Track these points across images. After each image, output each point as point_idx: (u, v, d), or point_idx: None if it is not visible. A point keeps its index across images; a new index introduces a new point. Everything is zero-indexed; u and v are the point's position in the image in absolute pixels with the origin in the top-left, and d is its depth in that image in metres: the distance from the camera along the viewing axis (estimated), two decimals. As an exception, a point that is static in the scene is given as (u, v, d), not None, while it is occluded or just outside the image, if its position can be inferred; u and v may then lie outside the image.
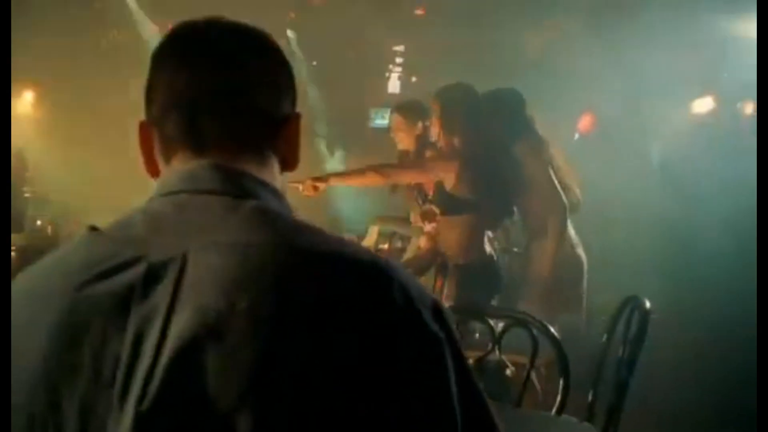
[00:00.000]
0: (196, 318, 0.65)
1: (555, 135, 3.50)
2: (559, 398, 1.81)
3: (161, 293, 0.68)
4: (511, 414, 1.78)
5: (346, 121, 8.17)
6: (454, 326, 0.73)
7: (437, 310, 0.71)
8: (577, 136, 6.54)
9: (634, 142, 5.80)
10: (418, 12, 7.30)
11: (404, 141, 3.45)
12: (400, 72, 8.34)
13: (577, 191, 3.23)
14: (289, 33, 7.59)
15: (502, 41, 6.42)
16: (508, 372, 1.94)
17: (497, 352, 1.94)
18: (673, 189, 5.10)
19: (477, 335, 2.33)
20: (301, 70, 7.75)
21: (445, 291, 2.88)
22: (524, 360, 1.98)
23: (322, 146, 8.31)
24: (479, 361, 1.93)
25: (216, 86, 0.82)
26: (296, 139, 0.88)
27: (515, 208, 3.18)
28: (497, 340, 1.93)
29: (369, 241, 4.08)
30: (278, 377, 0.63)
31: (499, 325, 2.02)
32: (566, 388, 1.81)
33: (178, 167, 0.81)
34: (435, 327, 0.69)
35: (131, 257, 0.71)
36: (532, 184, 3.07)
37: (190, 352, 0.64)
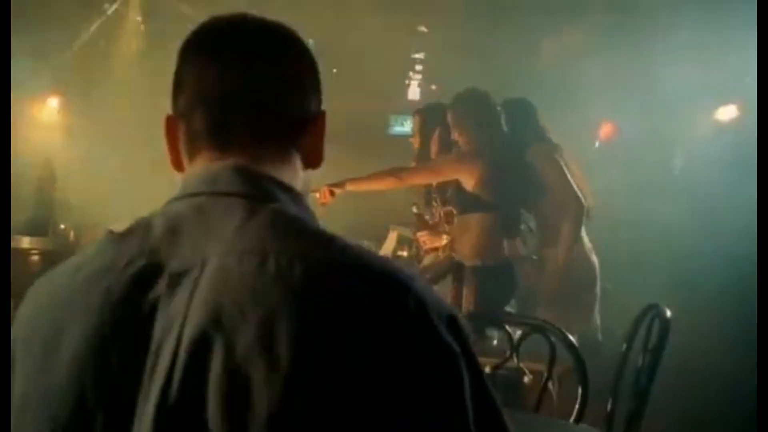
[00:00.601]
0: (209, 324, 0.66)
1: (575, 142, 3.49)
2: (577, 407, 1.79)
3: (180, 301, 0.69)
4: (528, 421, 1.77)
5: (366, 128, 8.18)
6: (471, 339, 0.72)
7: (453, 322, 0.70)
8: (597, 143, 6.50)
9: (655, 150, 5.75)
10: (422, 29, 7.32)
11: (424, 144, 3.42)
12: (420, 79, 8.35)
13: (589, 200, 3.21)
14: (309, 41, 7.64)
15: (522, 49, 6.41)
16: (525, 380, 1.93)
17: (515, 359, 1.93)
18: (694, 197, 5.04)
19: (495, 342, 2.32)
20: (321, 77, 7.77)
21: (464, 293, 2.87)
22: (542, 367, 1.96)
23: (338, 157, 8.31)
24: (497, 368, 1.92)
25: (245, 83, 0.82)
26: (321, 137, 0.88)
27: (532, 214, 3.18)
28: (515, 347, 1.92)
29: (388, 247, 4.08)
30: (289, 393, 0.63)
31: (517, 333, 2.01)
32: (585, 396, 1.79)
33: (199, 168, 0.82)
34: (449, 339, 0.68)
35: (152, 264, 0.72)
36: (547, 188, 3.06)
37: (200, 359, 0.65)
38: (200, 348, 0.65)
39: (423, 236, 3.23)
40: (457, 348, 0.68)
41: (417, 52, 8.12)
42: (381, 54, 7.81)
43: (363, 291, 0.68)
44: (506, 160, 2.95)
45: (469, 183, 2.88)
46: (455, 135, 2.98)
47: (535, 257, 3.42)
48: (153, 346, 0.68)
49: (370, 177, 3.17)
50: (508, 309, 3.09)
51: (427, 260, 3.45)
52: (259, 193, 0.78)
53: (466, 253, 2.93)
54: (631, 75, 5.55)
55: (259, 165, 0.81)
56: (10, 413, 0.71)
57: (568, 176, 3.07)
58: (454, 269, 2.96)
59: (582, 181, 3.21)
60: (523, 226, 3.29)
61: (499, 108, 3.09)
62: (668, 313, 1.96)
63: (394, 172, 3.03)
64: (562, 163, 3.09)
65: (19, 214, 6.03)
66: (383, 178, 3.01)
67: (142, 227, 0.77)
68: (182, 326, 0.67)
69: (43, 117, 7.42)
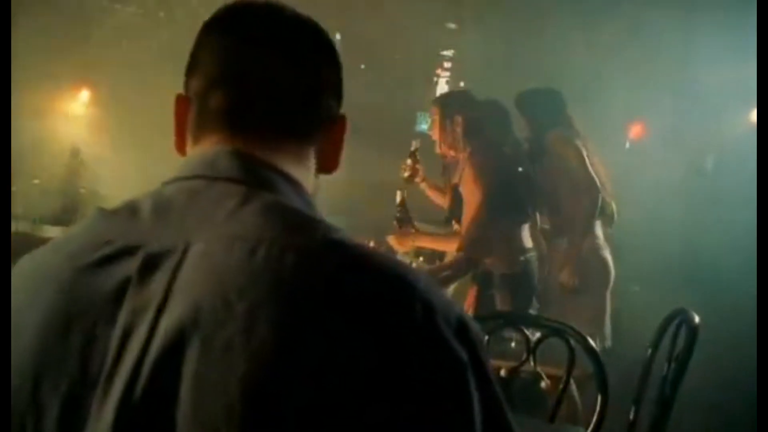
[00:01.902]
0: (188, 315, 0.61)
1: (604, 143, 3.42)
2: (596, 416, 1.71)
3: (156, 286, 0.64)
4: (542, 429, 1.70)
5: (393, 124, 8.14)
6: (482, 346, 0.66)
7: (462, 327, 0.65)
8: (627, 144, 6.39)
9: (687, 152, 5.62)
10: (451, 25, 7.25)
11: (440, 136, 3.27)
12: (448, 76, 8.29)
13: (609, 199, 3.12)
14: (336, 35, 7.63)
15: (551, 46, 6.31)
16: (542, 385, 1.86)
17: (532, 363, 1.86)
18: (726, 200, 4.91)
19: (513, 344, 2.25)
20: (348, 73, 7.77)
21: (498, 302, 2.82)
22: (561, 372, 1.89)
23: (364, 154, 8.27)
24: (513, 372, 1.86)
25: (266, 70, 0.78)
26: (338, 143, 0.85)
27: (545, 208, 3.12)
28: (532, 350, 1.85)
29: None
30: (271, 392, 0.58)
31: (536, 335, 1.94)
32: (604, 404, 1.71)
33: (200, 151, 0.78)
34: (455, 344, 0.63)
35: (130, 245, 0.67)
36: (563, 172, 2.99)
37: (176, 353, 0.60)
38: (177, 341, 0.60)
39: (392, 240, 3.14)
40: (464, 354, 0.63)
41: (446, 48, 8.06)
42: (409, 50, 7.77)
43: (364, 288, 0.63)
44: (502, 158, 2.92)
45: (475, 199, 2.82)
46: (441, 138, 2.93)
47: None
48: (117, 331, 0.63)
49: (434, 238, 3.09)
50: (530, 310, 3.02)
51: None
52: (259, 181, 0.73)
53: (493, 260, 2.87)
54: (663, 75, 5.44)
55: (267, 154, 0.77)
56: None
57: (587, 163, 2.98)
58: (480, 275, 2.89)
59: (606, 180, 3.12)
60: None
61: (522, 97, 3.06)
62: (696, 319, 1.88)
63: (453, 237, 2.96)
64: (583, 150, 3.01)
65: (47, 203, 6.08)
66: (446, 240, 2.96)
67: (129, 208, 0.72)
68: (158, 314, 0.62)
69: (72, 109, 7.50)
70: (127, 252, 0.67)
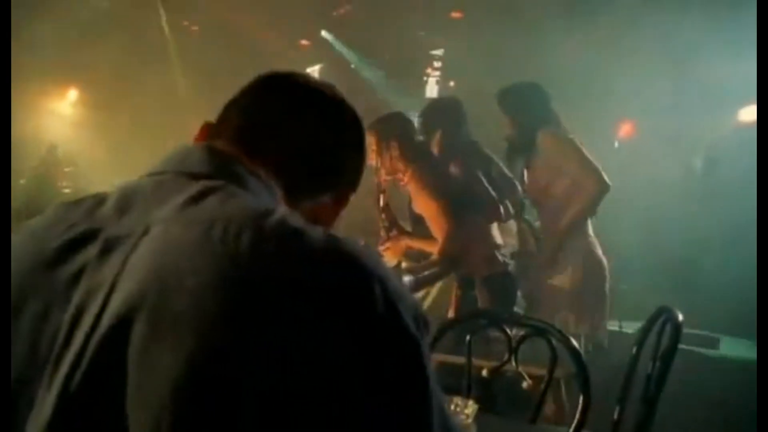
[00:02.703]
0: (137, 291, 0.59)
1: (594, 142, 3.39)
2: (577, 416, 1.68)
3: (111, 267, 0.63)
4: (523, 431, 1.68)
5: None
6: (429, 336, 0.66)
7: (417, 313, 0.65)
8: (617, 143, 6.39)
9: (677, 150, 5.63)
10: (455, 15, 7.22)
11: (378, 162, 3.04)
12: (438, 76, 8.27)
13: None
14: (325, 34, 7.60)
15: (541, 46, 6.30)
16: (524, 385, 1.83)
17: (514, 362, 1.83)
18: (716, 198, 4.91)
19: (497, 344, 2.22)
20: (338, 72, 7.75)
21: (480, 304, 2.80)
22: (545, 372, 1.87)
23: None
24: (495, 372, 1.83)
25: (284, 122, 0.81)
26: (331, 215, 0.86)
27: (536, 206, 3.10)
28: (514, 350, 1.82)
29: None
30: (219, 369, 0.56)
31: (520, 334, 1.91)
32: (586, 405, 1.68)
33: (175, 149, 0.78)
34: (414, 330, 0.62)
35: (93, 227, 0.67)
36: (560, 171, 2.96)
37: (123, 330, 0.58)
38: (125, 318, 0.58)
39: (387, 252, 3.11)
40: (420, 339, 0.63)
41: (435, 48, 8.05)
42: (399, 50, 7.75)
43: (322, 271, 0.61)
44: (444, 172, 2.95)
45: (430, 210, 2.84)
46: (378, 164, 2.95)
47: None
48: (69, 313, 0.62)
49: (424, 239, 3.02)
50: (516, 308, 3.00)
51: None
52: (228, 174, 0.73)
53: (472, 264, 2.86)
54: (653, 74, 5.44)
55: (246, 160, 0.77)
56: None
57: (585, 153, 2.94)
58: (462, 281, 2.88)
59: None
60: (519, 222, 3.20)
61: (506, 93, 3.04)
62: (680, 317, 1.86)
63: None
64: (578, 144, 2.96)
65: (20, 196, 6.01)
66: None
67: (95, 198, 0.73)
68: (109, 294, 0.61)
69: (58, 108, 7.47)
70: (89, 236, 0.66)
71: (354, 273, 0.62)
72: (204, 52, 6.97)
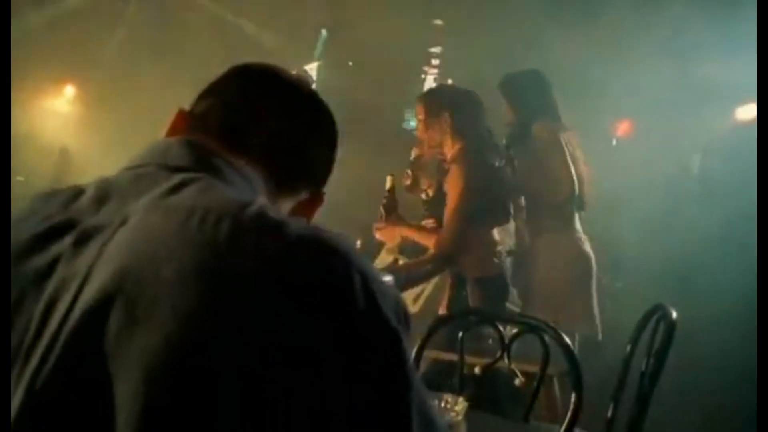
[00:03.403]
0: (113, 279, 0.58)
1: (591, 139, 3.39)
2: (569, 413, 1.68)
3: (86, 257, 0.62)
4: (514, 429, 1.67)
5: (381, 121, 8.11)
6: (410, 326, 0.65)
7: (397, 303, 0.64)
8: (614, 141, 6.38)
9: (673, 149, 5.62)
10: (438, 22, 7.23)
11: (426, 135, 3.02)
12: (436, 74, 8.25)
13: (587, 189, 3.09)
14: (323, 31, 7.58)
15: (540, 44, 6.29)
16: (516, 382, 1.82)
17: (506, 360, 1.82)
18: (712, 197, 4.90)
19: (490, 341, 2.22)
20: (335, 69, 7.74)
21: (471, 303, 2.77)
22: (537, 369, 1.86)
23: (351, 150, 8.18)
24: (487, 369, 1.83)
25: (264, 116, 0.81)
26: (308, 211, 0.86)
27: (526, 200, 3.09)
28: (506, 347, 1.82)
29: (395, 241, 3.98)
30: (193, 362, 0.55)
31: (513, 332, 1.91)
32: (578, 402, 1.68)
33: (155, 142, 0.78)
34: (394, 322, 0.62)
35: (67, 220, 0.66)
36: (545, 169, 2.95)
37: (97, 319, 0.57)
38: (99, 306, 0.57)
39: (380, 234, 3.03)
40: (399, 330, 0.62)
41: (433, 45, 8.02)
42: (397, 47, 7.73)
43: (302, 262, 0.61)
44: (485, 159, 2.83)
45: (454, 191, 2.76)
46: (425, 135, 2.85)
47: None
48: (39, 307, 0.60)
49: (420, 230, 2.97)
50: (512, 307, 2.99)
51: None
52: (207, 167, 0.72)
53: (465, 265, 2.80)
54: (650, 72, 5.42)
55: (226, 153, 0.76)
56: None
57: (567, 159, 2.95)
58: (453, 280, 2.83)
59: (586, 176, 3.09)
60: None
61: (509, 81, 3.01)
62: (674, 315, 1.86)
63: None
64: (564, 145, 2.97)
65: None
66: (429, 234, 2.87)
67: (73, 190, 0.72)
68: (83, 283, 0.59)
69: (58, 106, 7.46)
70: (64, 227, 0.65)
71: (334, 266, 0.62)
72: (203, 48, 6.96)
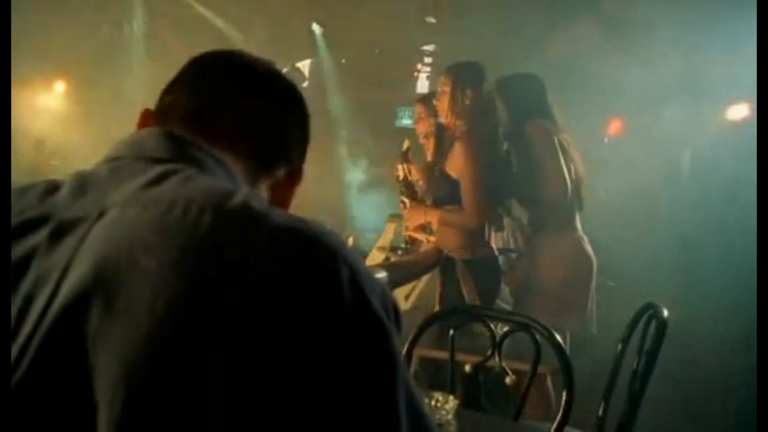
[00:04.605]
0: (91, 274, 0.56)
1: (583, 138, 3.39)
2: (560, 412, 1.67)
3: (63, 252, 0.60)
4: (506, 427, 1.66)
5: (374, 119, 8.09)
6: (400, 319, 0.64)
7: (386, 298, 0.62)
8: (606, 140, 6.39)
9: (665, 148, 5.63)
10: (430, 20, 7.22)
11: (449, 106, 2.94)
12: (429, 71, 8.25)
13: (584, 191, 3.09)
14: (315, 27, 7.55)
15: (532, 42, 6.29)
16: (507, 380, 1.81)
17: (497, 358, 1.81)
18: (703, 195, 4.91)
19: (485, 335, 2.21)
20: (328, 67, 7.72)
21: (464, 290, 2.75)
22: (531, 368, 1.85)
23: (343, 150, 8.19)
24: (478, 367, 1.81)
25: (233, 102, 0.80)
26: (289, 190, 0.85)
27: (525, 203, 3.08)
28: (497, 344, 1.81)
29: (386, 239, 3.98)
30: (174, 354, 0.53)
31: (505, 330, 1.90)
32: (569, 401, 1.67)
33: (131, 135, 0.76)
34: (381, 313, 0.60)
35: (44, 214, 0.64)
36: (540, 168, 2.95)
37: (75, 315, 0.55)
38: (77, 302, 0.55)
39: (406, 213, 3.05)
40: (388, 324, 0.61)
41: (426, 43, 8.02)
42: (390, 45, 7.72)
43: (286, 254, 0.59)
44: (495, 142, 2.83)
45: (458, 168, 2.76)
46: (447, 109, 2.83)
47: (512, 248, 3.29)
48: (17, 302, 0.58)
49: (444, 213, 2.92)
50: (503, 305, 2.98)
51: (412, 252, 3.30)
52: (186, 157, 0.71)
53: (455, 246, 2.80)
54: (642, 71, 5.42)
55: (204, 143, 0.75)
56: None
57: (561, 159, 2.95)
58: (444, 263, 2.82)
59: (583, 176, 3.09)
60: (508, 218, 3.17)
61: (506, 82, 3.00)
62: (666, 314, 1.86)
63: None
64: (557, 144, 2.97)
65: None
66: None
67: (47, 184, 0.69)
68: (60, 279, 0.57)
69: (46, 102, 7.41)
70: (40, 220, 0.63)
71: (320, 258, 0.60)
72: (192, 44, 6.93)
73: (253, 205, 0.62)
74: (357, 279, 0.60)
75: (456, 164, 2.77)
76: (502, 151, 2.91)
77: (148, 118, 0.82)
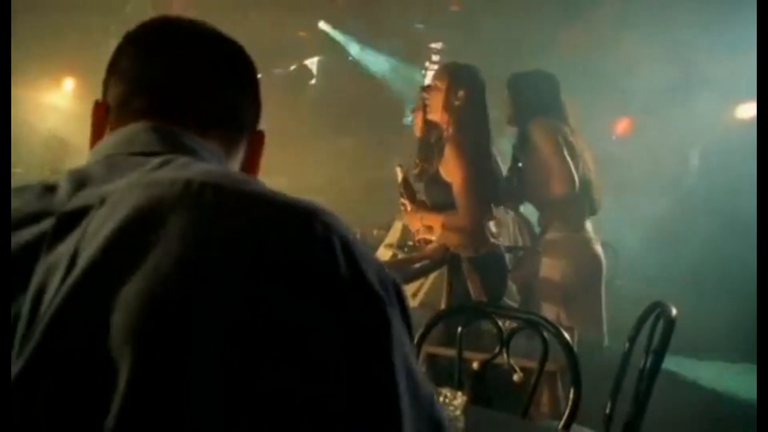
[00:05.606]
0: (98, 252, 0.57)
1: (590, 135, 3.38)
2: (567, 411, 1.67)
3: (69, 241, 0.60)
4: (513, 425, 1.66)
5: (383, 117, 8.09)
6: (403, 297, 0.64)
7: (382, 273, 0.63)
8: (614, 137, 6.37)
9: (673, 147, 5.61)
10: (454, 8, 7.19)
11: (443, 105, 2.93)
12: (437, 69, 8.23)
13: (597, 193, 3.09)
14: (323, 25, 7.55)
15: (541, 40, 6.28)
16: (515, 378, 1.81)
17: (505, 355, 1.82)
18: (712, 194, 4.90)
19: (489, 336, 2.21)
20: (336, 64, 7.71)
21: (470, 287, 2.75)
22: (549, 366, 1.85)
23: (351, 146, 8.17)
24: (485, 364, 1.82)
25: (190, 77, 0.82)
26: (256, 155, 0.87)
27: (534, 202, 3.08)
28: (505, 342, 1.81)
29: (393, 237, 3.98)
30: (171, 321, 0.54)
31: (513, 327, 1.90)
32: (577, 399, 1.67)
33: (117, 132, 0.77)
34: (379, 288, 0.61)
35: (43, 210, 0.64)
36: (544, 166, 2.94)
37: (83, 293, 0.56)
38: (79, 283, 0.56)
39: (407, 217, 3.04)
40: (385, 297, 0.61)
41: (434, 41, 8.01)
42: (397, 42, 7.72)
43: (281, 230, 0.60)
44: (487, 143, 2.84)
45: (455, 172, 2.75)
46: (442, 109, 2.83)
47: (539, 249, 3.30)
48: (29, 295, 0.58)
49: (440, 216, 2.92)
50: (511, 302, 2.98)
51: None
52: (179, 148, 0.74)
53: (457, 245, 2.80)
54: (651, 69, 5.41)
55: (189, 135, 0.77)
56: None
57: (566, 157, 2.93)
58: (451, 260, 2.81)
59: (594, 176, 3.08)
60: (515, 216, 3.17)
61: (522, 78, 3.00)
62: (674, 312, 1.85)
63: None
64: (562, 142, 2.96)
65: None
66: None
67: (43, 184, 0.70)
68: (69, 268, 0.58)
69: (58, 100, 7.44)
70: (40, 216, 0.64)
71: (314, 233, 0.61)
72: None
73: (251, 185, 0.64)
74: (352, 255, 0.61)
75: (447, 168, 2.78)
76: (493, 155, 2.90)
77: (102, 112, 0.83)
